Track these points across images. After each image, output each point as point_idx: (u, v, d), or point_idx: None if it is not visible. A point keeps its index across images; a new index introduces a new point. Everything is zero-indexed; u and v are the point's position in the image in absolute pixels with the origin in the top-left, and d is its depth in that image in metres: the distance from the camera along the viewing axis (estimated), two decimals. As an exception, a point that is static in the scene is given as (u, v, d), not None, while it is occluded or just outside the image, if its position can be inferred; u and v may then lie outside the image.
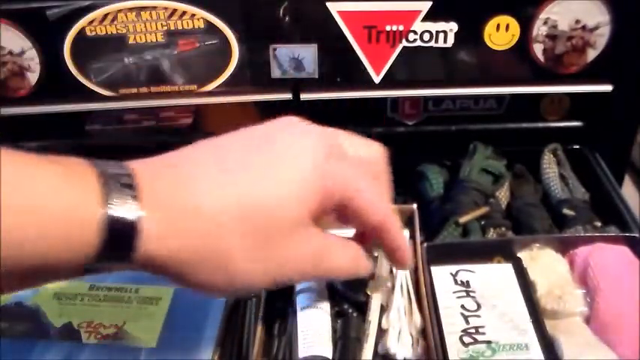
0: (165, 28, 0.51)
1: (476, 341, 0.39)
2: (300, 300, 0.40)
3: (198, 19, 0.50)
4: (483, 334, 0.39)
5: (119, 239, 0.28)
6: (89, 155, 0.29)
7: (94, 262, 0.28)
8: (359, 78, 0.53)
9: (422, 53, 0.52)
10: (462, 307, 0.41)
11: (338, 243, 0.35)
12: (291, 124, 0.35)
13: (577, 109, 0.57)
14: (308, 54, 0.52)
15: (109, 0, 0.49)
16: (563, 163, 0.55)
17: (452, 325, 0.40)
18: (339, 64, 0.53)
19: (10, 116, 0.53)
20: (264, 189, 0.31)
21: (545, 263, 0.45)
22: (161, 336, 0.42)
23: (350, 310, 0.40)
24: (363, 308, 0.40)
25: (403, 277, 0.42)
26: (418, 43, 0.52)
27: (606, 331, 0.40)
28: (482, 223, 0.50)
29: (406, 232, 0.46)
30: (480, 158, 0.54)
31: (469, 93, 0.56)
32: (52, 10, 0.49)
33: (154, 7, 0.50)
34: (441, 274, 0.44)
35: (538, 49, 0.52)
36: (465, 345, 0.39)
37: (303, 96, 0.54)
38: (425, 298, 0.41)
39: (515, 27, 0.51)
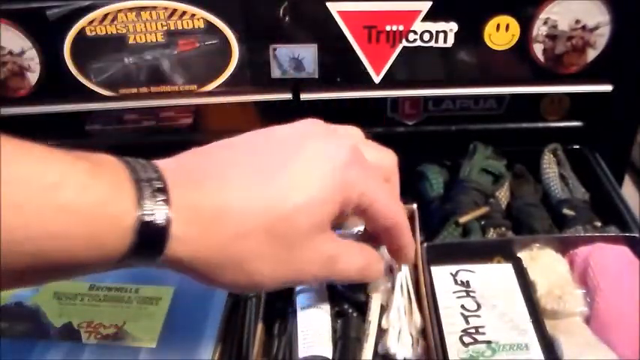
0: (165, 28, 0.51)
1: (476, 341, 0.39)
2: (300, 300, 0.40)
3: (198, 19, 0.50)
4: (483, 334, 0.39)
5: (149, 242, 0.28)
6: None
7: (120, 261, 0.28)
8: (359, 78, 0.53)
9: (422, 53, 0.52)
10: (462, 307, 0.41)
11: (352, 247, 0.36)
12: (315, 128, 0.35)
13: (577, 109, 0.57)
14: (308, 54, 0.52)
15: (109, 0, 0.49)
16: (563, 163, 0.55)
17: (452, 325, 0.40)
18: (339, 64, 0.53)
19: (10, 116, 0.53)
20: (287, 194, 0.31)
21: (545, 263, 0.45)
22: (161, 336, 0.42)
23: (350, 310, 0.40)
24: (363, 308, 0.40)
25: (403, 277, 0.42)
26: (418, 43, 0.52)
27: (606, 331, 0.40)
28: (482, 223, 0.50)
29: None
30: (480, 158, 0.54)
31: (469, 93, 0.56)
32: (52, 10, 0.49)
33: (154, 7, 0.50)
34: (441, 274, 0.44)
35: (538, 49, 0.52)
36: (465, 345, 0.39)
37: (303, 96, 0.54)
38: (425, 298, 0.41)
39: (515, 27, 0.51)
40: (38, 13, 0.49)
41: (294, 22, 0.51)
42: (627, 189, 0.62)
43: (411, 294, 0.42)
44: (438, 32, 0.51)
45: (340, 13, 0.50)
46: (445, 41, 0.51)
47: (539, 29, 0.51)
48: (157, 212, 0.28)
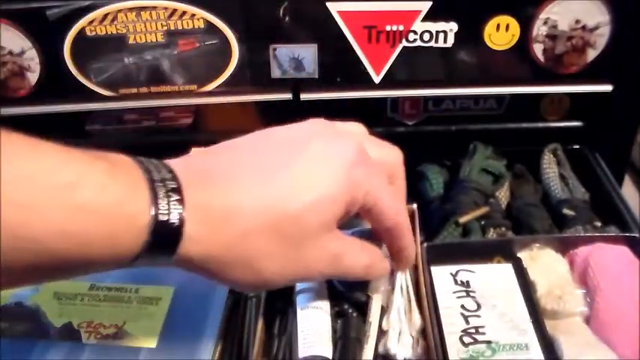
0: (165, 28, 0.51)
1: (476, 341, 0.39)
2: (300, 300, 0.40)
3: (198, 19, 0.50)
4: (483, 334, 0.39)
5: (163, 242, 0.29)
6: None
7: (132, 260, 0.29)
8: (359, 78, 0.53)
9: (422, 53, 0.52)
10: (462, 307, 0.41)
11: (357, 245, 0.36)
12: (320, 128, 0.36)
13: (577, 109, 0.57)
14: (308, 54, 0.52)
15: (109, 0, 0.49)
16: (563, 163, 0.55)
17: (452, 325, 0.40)
18: (339, 64, 0.53)
19: (10, 116, 0.53)
20: (294, 193, 0.32)
21: (545, 263, 0.45)
22: (161, 336, 0.42)
23: (350, 310, 0.40)
24: (363, 308, 0.40)
25: (403, 277, 0.42)
26: (418, 43, 0.52)
27: (606, 331, 0.40)
28: (482, 223, 0.50)
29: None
30: (480, 158, 0.54)
31: (469, 93, 0.56)
32: (52, 10, 0.49)
33: (154, 7, 0.50)
34: (441, 274, 0.44)
35: (538, 49, 0.52)
36: (465, 345, 0.39)
37: (303, 96, 0.54)
38: (425, 298, 0.41)
39: (515, 27, 0.51)
40: (38, 13, 0.49)
41: (294, 22, 0.51)
42: (627, 189, 0.62)
43: (411, 295, 0.42)
44: (438, 32, 0.51)
45: (340, 13, 0.50)
46: (445, 41, 0.51)
47: (539, 29, 0.51)
48: (171, 212, 0.28)
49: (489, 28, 0.51)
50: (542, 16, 0.51)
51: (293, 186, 0.32)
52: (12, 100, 0.53)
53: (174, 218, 0.29)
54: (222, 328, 0.42)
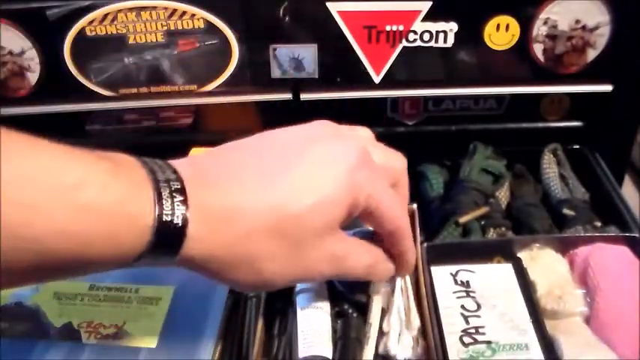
0: (165, 28, 0.51)
1: (476, 341, 0.39)
2: (300, 300, 0.40)
3: (198, 19, 0.50)
4: (483, 334, 0.39)
5: (167, 242, 0.29)
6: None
7: (135, 260, 0.29)
8: (359, 78, 0.53)
9: (422, 53, 0.52)
10: (462, 307, 0.41)
11: (360, 246, 0.36)
12: (324, 130, 0.36)
13: (577, 109, 0.57)
14: (308, 54, 0.52)
15: (109, 0, 0.49)
16: (563, 163, 0.55)
17: (452, 325, 0.40)
18: (339, 64, 0.53)
19: (10, 116, 0.53)
20: (297, 196, 0.32)
21: (545, 263, 0.45)
22: (161, 336, 0.42)
23: (350, 311, 0.40)
24: (363, 309, 0.40)
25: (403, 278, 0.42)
26: (418, 43, 0.52)
27: (606, 331, 0.40)
28: (482, 223, 0.50)
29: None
30: (480, 158, 0.54)
31: (469, 93, 0.56)
32: (52, 10, 0.49)
33: (154, 7, 0.50)
34: (441, 274, 0.44)
35: (538, 49, 0.52)
36: (465, 345, 0.39)
37: (303, 96, 0.54)
38: (425, 298, 0.41)
39: (515, 27, 0.51)
40: (38, 13, 0.49)
41: (294, 22, 0.51)
42: (627, 189, 0.62)
43: (410, 296, 0.42)
44: (438, 32, 0.51)
45: (340, 13, 0.50)
46: (445, 41, 0.51)
47: (539, 29, 0.51)
48: (175, 213, 0.29)
49: (489, 28, 0.51)
50: (542, 16, 0.51)
51: (296, 187, 0.32)
52: (12, 100, 0.53)
53: (177, 219, 0.29)
54: (222, 328, 0.42)
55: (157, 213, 0.28)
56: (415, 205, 0.47)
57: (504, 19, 0.51)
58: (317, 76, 0.53)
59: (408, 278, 0.43)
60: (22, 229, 0.25)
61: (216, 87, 0.54)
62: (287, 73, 0.53)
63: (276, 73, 0.53)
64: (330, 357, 0.38)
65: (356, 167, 0.33)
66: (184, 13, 0.50)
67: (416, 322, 0.40)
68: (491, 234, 0.49)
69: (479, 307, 0.41)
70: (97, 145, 0.29)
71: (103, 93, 0.53)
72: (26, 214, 0.25)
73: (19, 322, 0.43)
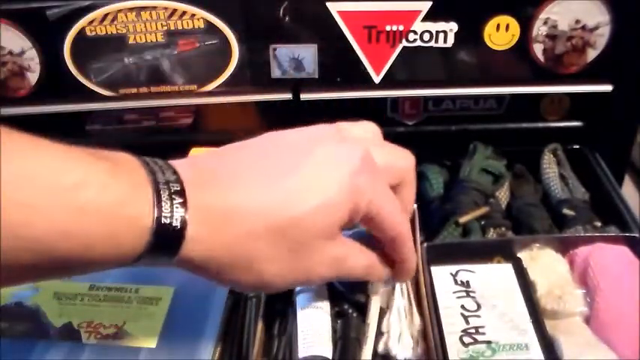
0: (165, 28, 0.51)
1: (476, 341, 0.39)
2: (300, 300, 0.40)
3: (198, 19, 0.50)
4: (483, 334, 0.39)
5: (165, 243, 0.29)
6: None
7: (135, 260, 0.29)
8: (359, 78, 0.53)
9: (422, 53, 0.52)
10: (462, 307, 0.41)
11: (357, 248, 0.36)
12: (327, 132, 0.35)
13: (577, 109, 0.57)
14: (308, 54, 0.52)
15: (109, 0, 0.49)
16: (563, 163, 0.55)
17: (452, 325, 0.40)
18: (339, 64, 0.53)
19: (10, 116, 0.53)
20: (298, 198, 0.32)
21: (545, 263, 0.45)
22: (161, 336, 0.42)
23: (350, 311, 0.40)
24: (363, 309, 0.40)
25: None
26: (418, 43, 0.52)
27: (606, 331, 0.40)
28: (482, 223, 0.50)
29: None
30: (480, 158, 0.54)
31: (469, 93, 0.56)
32: (52, 10, 0.49)
33: (154, 7, 0.50)
34: (441, 274, 0.44)
35: (538, 49, 0.52)
36: (465, 345, 0.39)
37: (303, 96, 0.54)
38: (425, 298, 0.41)
39: (515, 27, 0.51)
40: (38, 13, 0.49)
41: (294, 22, 0.51)
42: (627, 189, 0.62)
43: (411, 296, 0.42)
44: (438, 32, 0.51)
45: (340, 13, 0.50)
46: (445, 41, 0.51)
47: (539, 29, 0.51)
48: (174, 215, 0.29)
49: (489, 28, 0.51)
50: (542, 16, 0.51)
51: (297, 190, 0.32)
52: (12, 100, 0.53)
53: (176, 221, 0.29)
54: (222, 329, 0.42)
55: (155, 215, 0.28)
56: (415, 205, 0.47)
57: (504, 19, 0.51)
58: (317, 76, 0.53)
59: (407, 278, 0.43)
60: (22, 229, 0.25)
61: (216, 87, 0.54)
62: (287, 73, 0.53)
63: (276, 73, 0.53)
64: (330, 357, 0.38)
65: (357, 171, 0.33)
66: (184, 13, 0.50)
67: (417, 320, 0.40)
68: (491, 234, 0.49)
69: (479, 307, 0.41)
70: (97, 145, 0.29)
71: (103, 93, 0.53)
72: (26, 214, 0.25)
73: (19, 322, 0.43)
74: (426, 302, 0.41)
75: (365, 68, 0.53)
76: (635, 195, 0.63)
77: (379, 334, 0.39)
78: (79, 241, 0.27)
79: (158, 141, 0.58)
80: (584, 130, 0.58)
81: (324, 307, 0.40)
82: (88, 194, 0.26)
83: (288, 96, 0.54)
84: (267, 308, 0.42)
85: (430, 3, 0.50)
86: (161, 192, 0.29)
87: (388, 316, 0.40)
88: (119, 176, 0.28)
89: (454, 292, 0.42)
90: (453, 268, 0.44)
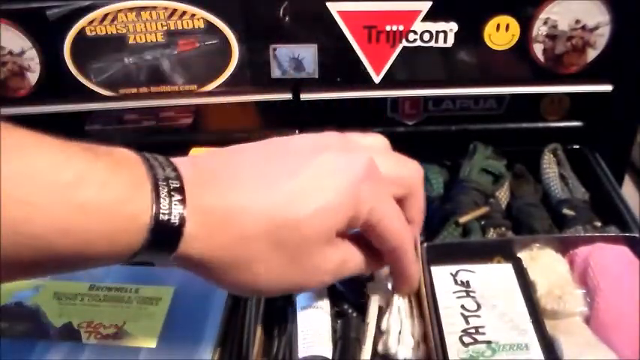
0: (165, 28, 0.51)
1: (476, 341, 0.39)
2: (300, 300, 0.40)
3: (198, 19, 0.50)
4: (483, 334, 0.39)
5: (163, 240, 0.29)
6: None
7: (132, 256, 0.29)
8: (359, 78, 0.53)
9: (422, 53, 0.52)
10: (462, 307, 0.41)
11: (352, 248, 0.36)
12: (333, 140, 0.35)
13: (577, 109, 0.57)
14: (308, 54, 0.52)
15: (109, 0, 0.49)
16: (563, 163, 0.55)
17: (452, 325, 0.40)
18: (339, 64, 0.53)
19: (10, 116, 0.53)
20: (296, 203, 0.31)
21: (545, 263, 0.45)
22: (161, 336, 0.42)
23: (350, 311, 0.40)
24: (362, 308, 0.40)
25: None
26: (418, 43, 0.52)
27: (606, 331, 0.40)
28: (482, 223, 0.50)
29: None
30: (480, 158, 0.54)
31: (469, 93, 0.56)
32: (52, 10, 0.49)
33: (154, 7, 0.50)
34: (441, 274, 0.44)
35: (538, 49, 0.52)
36: (465, 345, 0.39)
37: (303, 96, 0.54)
38: (425, 299, 0.41)
39: (515, 27, 0.51)
40: (38, 13, 0.49)
41: (294, 22, 0.51)
42: (627, 189, 0.62)
43: (411, 296, 0.42)
44: (438, 32, 0.51)
45: (340, 13, 0.50)
46: (445, 41, 0.51)
47: (539, 29, 0.51)
48: (172, 212, 0.29)
49: (489, 28, 0.51)
50: (542, 16, 0.51)
51: (297, 194, 0.32)
52: (12, 100, 0.53)
53: (174, 218, 0.29)
54: (222, 329, 0.42)
55: (154, 212, 0.28)
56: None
57: (504, 19, 0.51)
58: (317, 76, 0.53)
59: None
60: (22, 226, 0.25)
61: (216, 87, 0.54)
62: (287, 73, 0.53)
63: (276, 73, 0.53)
64: (330, 357, 0.38)
65: (360, 179, 0.33)
66: (184, 13, 0.50)
67: (417, 322, 0.40)
68: (491, 234, 0.49)
69: (479, 307, 0.41)
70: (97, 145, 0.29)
71: (103, 93, 0.53)
72: (26, 211, 0.25)
73: (19, 322, 0.43)
74: (426, 302, 0.41)
75: (365, 68, 0.53)
76: (635, 195, 0.63)
77: (379, 333, 0.39)
78: (78, 237, 0.27)
79: (158, 141, 0.58)
80: (584, 130, 0.58)
81: (324, 307, 0.40)
82: (88, 192, 0.27)
83: (288, 96, 0.54)
84: (267, 308, 0.42)
85: (430, 3, 0.50)
86: (160, 188, 0.29)
87: (388, 315, 0.40)
88: (119, 173, 0.28)
89: (454, 292, 0.42)
90: (453, 268, 0.44)
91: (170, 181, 0.29)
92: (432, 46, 0.52)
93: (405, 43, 0.52)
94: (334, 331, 0.39)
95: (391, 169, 0.35)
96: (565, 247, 0.46)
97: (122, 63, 0.52)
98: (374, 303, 0.40)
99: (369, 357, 0.38)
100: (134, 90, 0.54)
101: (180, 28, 0.51)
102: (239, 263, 0.31)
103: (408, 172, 0.37)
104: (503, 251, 0.45)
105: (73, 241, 0.27)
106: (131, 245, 0.28)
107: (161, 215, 0.28)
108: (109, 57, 0.52)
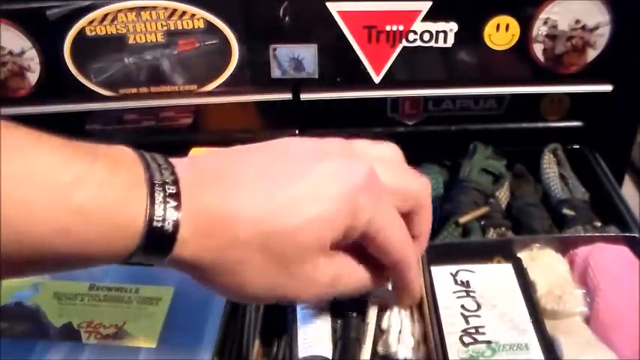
0: (165, 28, 0.51)
1: (476, 341, 0.39)
2: (300, 300, 0.40)
3: (198, 19, 0.50)
4: (483, 334, 0.39)
5: (156, 245, 0.29)
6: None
7: (127, 258, 0.29)
8: (359, 78, 0.53)
9: (422, 53, 0.52)
10: (462, 307, 0.41)
11: (351, 264, 0.35)
12: (335, 147, 0.34)
13: (577, 109, 0.57)
14: (308, 54, 0.52)
15: (109, 0, 0.49)
16: (563, 163, 0.55)
17: (452, 325, 0.40)
18: (339, 64, 0.53)
19: (10, 116, 0.53)
20: (292, 209, 0.31)
21: (545, 263, 0.45)
22: (161, 336, 0.42)
23: (350, 311, 0.40)
24: (363, 309, 0.40)
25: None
26: (418, 43, 0.52)
27: (606, 331, 0.40)
28: (482, 223, 0.50)
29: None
30: (480, 158, 0.54)
31: (469, 93, 0.56)
32: (52, 10, 0.49)
33: (154, 7, 0.50)
34: (441, 274, 0.44)
35: (538, 49, 0.52)
36: (465, 345, 0.39)
37: (303, 96, 0.54)
38: (425, 298, 0.41)
39: (515, 27, 0.51)
40: (38, 13, 0.49)
41: (294, 22, 0.51)
42: (627, 189, 0.62)
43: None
44: (438, 32, 0.51)
45: (340, 13, 0.50)
46: (445, 41, 0.51)
47: (539, 29, 0.51)
48: (167, 219, 0.29)
49: (489, 28, 0.51)
50: (542, 16, 0.51)
51: (293, 201, 0.31)
52: (12, 100, 0.53)
53: (168, 225, 0.29)
54: (223, 328, 0.42)
55: (147, 218, 0.28)
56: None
57: (504, 19, 0.51)
58: (317, 76, 0.53)
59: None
60: (20, 225, 0.25)
61: (216, 87, 0.54)
62: (287, 73, 0.53)
63: (276, 73, 0.53)
64: (330, 357, 0.38)
65: (359, 189, 0.32)
66: (184, 13, 0.50)
67: (417, 323, 0.40)
68: (491, 234, 0.49)
69: (479, 307, 0.41)
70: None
71: (103, 93, 0.53)
72: (24, 211, 0.25)
73: (19, 322, 0.43)
74: (426, 302, 0.41)
75: (365, 68, 0.53)
76: (635, 195, 0.63)
77: (379, 333, 0.39)
78: (76, 238, 0.27)
79: (158, 141, 0.58)
80: (584, 130, 0.58)
81: (324, 306, 0.40)
82: (85, 193, 0.27)
83: (288, 96, 0.54)
84: (267, 308, 0.42)
85: (430, 3, 0.50)
86: (156, 194, 0.28)
87: (388, 315, 0.40)
88: (117, 174, 0.28)
89: (454, 292, 0.42)
90: (453, 268, 0.44)
91: (167, 186, 0.29)
92: (432, 46, 0.52)
93: (405, 43, 0.52)
94: (334, 331, 0.39)
95: (394, 181, 0.35)
96: (565, 247, 0.46)
97: (122, 63, 0.52)
98: (373, 302, 0.40)
99: (369, 357, 0.38)
100: (134, 90, 0.54)
101: (180, 28, 0.51)
102: (228, 268, 0.31)
103: (414, 185, 0.36)
104: (503, 251, 0.45)
105: (70, 241, 0.27)
106: (127, 247, 0.28)
107: (154, 222, 0.28)
108: (109, 57, 0.52)
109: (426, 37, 0.51)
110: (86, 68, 0.52)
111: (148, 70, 0.52)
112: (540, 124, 0.58)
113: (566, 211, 0.51)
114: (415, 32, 0.51)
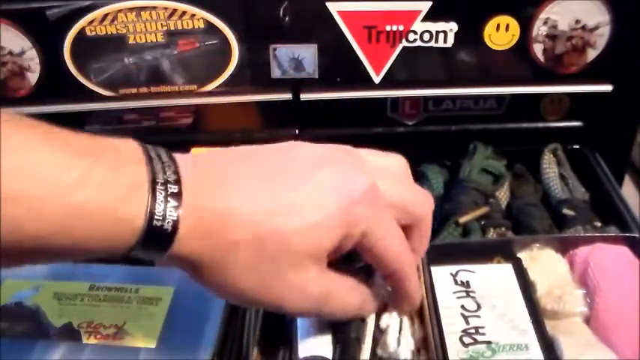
0: (165, 28, 0.51)
1: (476, 341, 0.39)
2: (300, 300, 0.40)
3: (198, 19, 0.50)
4: (483, 334, 0.39)
5: (155, 242, 0.29)
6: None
7: (128, 252, 0.30)
8: (359, 78, 0.53)
9: (422, 53, 0.52)
10: (462, 307, 0.41)
11: (347, 286, 0.35)
12: (341, 156, 0.34)
13: (577, 109, 0.57)
14: (308, 54, 0.52)
15: (109, 0, 0.49)
16: (563, 163, 0.55)
17: (452, 326, 0.40)
18: (339, 64, 0.53)
19: (10, 116, 0.53)
20: (289, 215, 0.31)
21: (545, 263, 0.45)
22: (161, 336, 0.42)
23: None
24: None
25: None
26: (418, 43, 0.52)
27: (606, 331, 0.40)
28: (482, 223, 0.50)
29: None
30: (480, 158, 0.54)
31: (469, 93, 0.56)
32: (52, 10, 0.49)
33: (154, 7, 0.50)
34: (441, 275, 0.44)
35: (538, 49, 0.52)
36: (465, 345, 0.39)
37: (303, 96, 0.54)
38: (425, 299, 0.41)
39: (515, 27, 0.51)
40: (38, 13, 0.49)
41: (294, 22, 0.51)
42: (627, 189, 0.62)
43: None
44: (438, 32, 0.51)
45: (340, 13, 0.50)
46: (445, 41, 0.51)
47: (539, 29, 0.51)
48: (167, 218, 0.29)
49: (489, 28, 0.51)
50: (542, 16, 0.51)
51: (290, 207, 0.31)
52: (12, 100, 0.53)
53: (168, 224, 0.29)
54: (222, 328, 0.42)
55: (147, 216, 0.28)
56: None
57: (504, 19, 0.51)
58: (317, 76, 0.53)
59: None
60: (21, 220, 0.26)
61: (216, 87, 0.54)
62: (287, 73, 0.53)
63: (276, 73, 0.53)
64: (330, 357, 0.38)
65: (357, 200, 0.32)
66: (184, 13, 0.50)
67: (418, 331, 0.40)
68: (491, 234, 0.49)
69: (479, 307, 0.41)
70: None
71: (103, 93, 0.53)
72: (25, 207, 0.26)
73: (19, 322, 0.43)
74: (426, 302, 0.41)
75: (365, 68, 0.53)
76: (635, 195, 0.63)
77: (379, 333, 0.39)
78: (76, 233, 0.27)
79: (158, 141, 0.57)
80: (584, 130, 0.58)
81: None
82: (87, 193, 0.27)
83: (288, 96, 0.54)
84: (267, 308, 0.42)
85: (430, 3, 0.50)
86: (157, 193, 0.29)
87: (388, 315, 0.40)
88: (120, 175, 0.28)
89: (454, 293, 0.42)
90: (452, 268, 0.44)
91: (169, 185, 0.29)
92: (432, 46, 0.52)
93: (405, 43, 0.52)
94: (334, 331, 0.39)
95: (396, 193, 0.34)
96: (565, 247, 0.46)
97: (122, 63, 0.52)
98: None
99: (368, 357, 0.38)
100: (134, 90, 0.54)
101: (180, 28, 0.51)
102: (221, 267, 0.31)
103: (416, 200, 0.36)
104: (503, 251, 0.45)
105: (70, 236, 0.27)
106: (126, 242, 0.29)
107: (154, 221, 0.28)
108: (109, 57, 0.52)
109: (426, 37, 0.51)
110: (86, 68, 0.52)
111: (147, 70, 0.52)
112: (540, 124, 0.58)
113: (566, 211, 0.51)
114: (415, 32, 0.51)
